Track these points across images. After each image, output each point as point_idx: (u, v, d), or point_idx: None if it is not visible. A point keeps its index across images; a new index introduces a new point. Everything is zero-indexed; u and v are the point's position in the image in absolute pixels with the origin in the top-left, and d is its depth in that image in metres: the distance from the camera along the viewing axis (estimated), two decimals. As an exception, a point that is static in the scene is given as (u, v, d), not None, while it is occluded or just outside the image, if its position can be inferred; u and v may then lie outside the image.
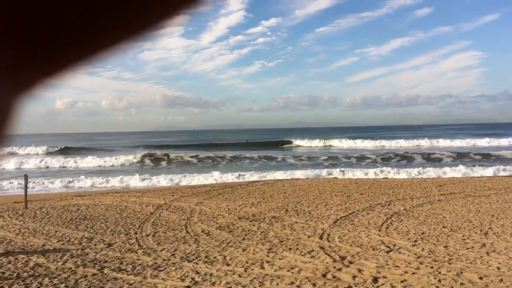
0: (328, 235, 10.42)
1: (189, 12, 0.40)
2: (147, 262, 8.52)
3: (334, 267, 7.90)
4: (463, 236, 10.12)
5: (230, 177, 26.56)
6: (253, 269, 7.92)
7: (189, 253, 9.08)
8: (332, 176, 26.27)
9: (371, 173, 27.63)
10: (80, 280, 7.59)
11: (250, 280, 7.34)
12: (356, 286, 7.01)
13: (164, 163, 40.11)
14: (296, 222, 11.94)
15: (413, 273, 7.48)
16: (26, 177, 16.10)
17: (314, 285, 7.04)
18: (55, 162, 39.09)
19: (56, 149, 60.24)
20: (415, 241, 9.70)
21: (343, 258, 8.47)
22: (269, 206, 14.64)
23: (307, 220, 12.17)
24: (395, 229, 10.88)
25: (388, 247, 9.21)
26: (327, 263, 8.18)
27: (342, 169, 30.43)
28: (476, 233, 10.40)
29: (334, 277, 7.42)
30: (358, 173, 27.68)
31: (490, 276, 7.30)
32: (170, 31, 0.41)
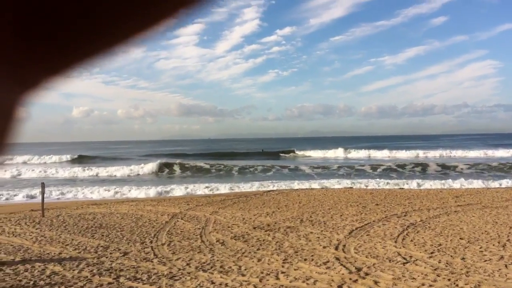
0: (344, 246, 10.36)
1: (188, 12, 0.40)
2: (162, 272, 8.54)
3: (350, 279, 7.84)
4: (480, 248, 9.99)
5: (244, 186, 26.55)
6: (268, 280, 7.90)
7: (204, 263, 9.08)
8: (347, 186, 26.12)
9: (386, 183, 27.43)
10: (96, 288, 7.63)
11: (265, 291, 7.31)
12: (372, 298, 6.95)
13: (179, 172, 40.24)
14: (311, 233, 11.89)
15: (430, 286, 7.40)
16: (43, 185, 16.26)
17: (329, 296, 7.00)
18: (71, 170, 39.40)
19: (73, 157, 60.74)
20: (432, 252, 9.60)
21: (359, 269, 8.41)
22: (284, 216, 14.60)
23: (322, 231, 12.11)
24: (411, 241, 10.78)
25: (404, 258, 9.12)
26: (342, 274, 8.12)
27: (357, 179, 30.30)
28: (494, 245, 10.27)
29: (350, 288, 7.37)
30: (373, 183, 27.50)
31: (508, 289, 7.20)
32: (171, 32, 0.42)
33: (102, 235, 12.04)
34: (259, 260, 9.23)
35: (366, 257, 9.31)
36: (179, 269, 8.66)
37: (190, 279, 8.05)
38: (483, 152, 57.42)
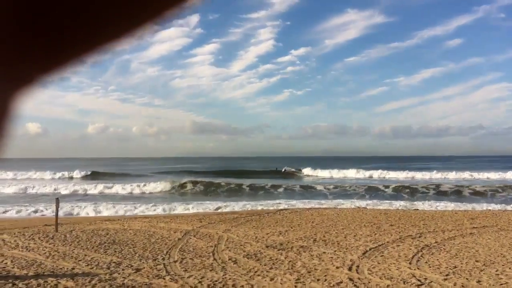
0: (358, 266, 10.25)
1: (182, 9, 0.41)
2: (174, 289, 8.50)
3: (364, 300, 7.75)
4: (496, 271, 9.83)
5: (257, 204, 26.48)
6: (280, 299, 7.83)
7: (216, 281, 9.03)
8: (361, 206, 25.93)
9: (401, 204, 27.21)
10: (108, 305, 7.61)
11: (278, 311, 7.25)
12: (386, 320, 6.86)
13: (191, 189, 40.26)
14: (325, 253, 11.79)
15: (446, 309, 7.28)
16: (57, 201, 16.36)
17: (343, 317, 6.91)
18: (84, 186, 39.63)
19: (87, 173, 61.11)
20: (447, 275, 9.47)
21: (372, 290, 8.30)
22: (297, 235, 14.51)
23: (335, 251, 12.01)
24: (426, 262, 10.64)
25: (419, 280, 9.00)
26: (356, 295, 8.03)
27: (371, 199, 30.11)
28: (510, 268, 10.10)
29: (363, 310, 7.28)
30: (387, 204, 27.28)
31: (526, 314, 7.06)
32: (165, 28, 0.42)
33: (115, 251, 12.05)
34: (271, 279, 9.16)
35: (380, 278, 9.20)
36: (191, 287, 8.62)
37: (202, 297, 8.01)
38: (499, 174, 56.72)
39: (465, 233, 14.83)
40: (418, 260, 10.86)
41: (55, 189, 37.64)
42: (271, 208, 24.65)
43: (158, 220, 18.11)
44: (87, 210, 24.05)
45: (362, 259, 11.02)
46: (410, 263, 10.52)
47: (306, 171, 68.89)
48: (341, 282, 8.87)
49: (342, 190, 38.77)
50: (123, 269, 10.06)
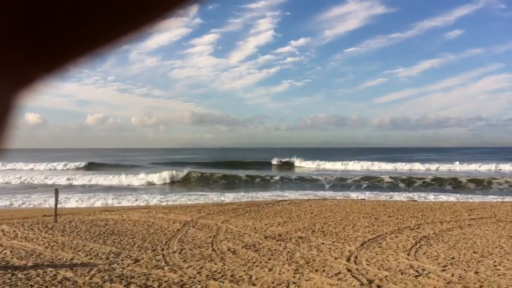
0: (356, 257, 10.28)
1: (184, 10, 0.40)
2: (173, 279, 8.53)
3: (362, 290, 7.77)
4: (494, 262, 9.87)
5: (256, 196, 26.54)
6: (279, 290, 7.85)
7: (215, 272, 9.06)
8: (359, 197, 25.98)
9: (399, 195, 27.27)
10: (107, 295, 7.64)
11: (276, 301, 7.27)
12: (384, 310, 6.88)
13: (190, 180, 40.27)
14: (323, 243, 11.82)
15: (443, 299, 7.31)
16: (56, 191, 16.36)
17: (341, 308, 6.94)
18: (82, 177, 39.65)
19: (82, 164, 61.09)
20: (444, 266, 9.50)
21: (370, 281, 8.34)
22: (295, 226, 14.54)
23: (334, 242, 12.04)
24: (424, 253, 10.67)
25: (417, 271, 9.03)
26: (354, 286, 8.06)
27: (370, 191, 30.18)
28: (508, 259, 10.14)
29: (361, 300, 7.31)
30: (386, 196, 27.35)
31: (523, 305, 7.09)
32: (166, 29, 0.42)
33: (114, 242, 12.07)
34: (270, 269, 9.19)
35: (378, 269, 9.23)
36: (190, 277, 8.65)
37: (201, 287, 8.03)
38: (497, 165, 56.74)
39: (463, 224, 14.87)
40: (416, 251, 10.89)
41: (52, 180, 37.63)
42: (270, 199, 24.69)
43: (157, 211, 18.14)
44: (84, 201, 24.07)
45: (360, 250, 11.06)
46: (408, 254, 10.55)
47: (303, 163, 68.71)
48: (339, 273, 8.90)
49: (339, 181, 38.79)
50: (122, 260, 10.09)
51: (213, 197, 26.28)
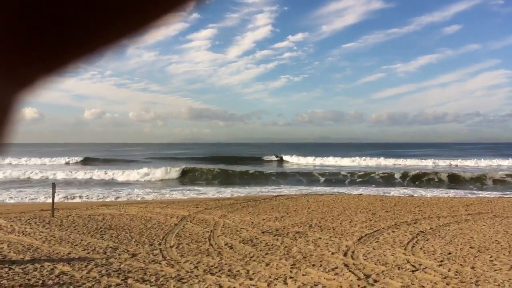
0: (353, 252, 10.31)
1: (185, 10, 0.40)
2: (170, 274, 8.54)
3: (359, 286, 7.80)
4: (490, 257, 9.90)
5: (253, 191, 26.58)
6: (276, 285, 7.87)
7: (212, 266, 9.07)
8: (357, 193, 26.04)
9: (396, 191, 27.34)
10: (104, 289, 7.64)
11: (273, 295, 7.29)
12: (380, 305, 6.91)
13: (187, 175, 40.24)
14: (320, 238, 11.84)
15: (440, 294, 7.33)
16: (54, 186, 16.34)
17: (338, 302, 6.96)
18: (78, 172, 39.61)
19: (79, 159, 61.02)
20: (441, 261, 9.53)
21: (367, 276, 8.36)
22: (292, 221, 14.56)
23: (331, 236, 12.06)
24: (421, 248, 10.70)
25: (413, 266, 9.06)
26: (351, 281, 8.08)
27: (366, 186, 30.24)
28: (504, 254, 10.17)
29: (358, 295, 7.33)
30: (383, 190, 27.41)
31: (519, 299, 7.12)
32: (167, 29, 0.42)
33: (111, 236, 12.08)
34: (267, 264, 9.21)
35: (375, 264, 9.26)
36: (187, 272, 8.66)
37: (198, 282, 8.05)
38: (495, 161, 56.86)
39: (460, 220, 14.91)
40: (413, 246, 10.92)
41: (48, 175, 37.55)
42: (267, 194, 24.72)
43: (154, 206, 18.15)
44: (81, 196, 24.07)
45: (357, 245, 11.08)
46: (405, 249, 10.58)
47: (300, 158, 68.66)
48: (337, 268, 8.92)
49: (336, 176, 38.85)
50: (119, 254, 10.09)
51: (211, 192, 26.30)
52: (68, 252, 10.23)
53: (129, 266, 9.06)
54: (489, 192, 27.01)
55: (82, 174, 38.28)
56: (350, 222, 14.37)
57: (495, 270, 8.83)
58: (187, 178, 38.67)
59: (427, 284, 7.88)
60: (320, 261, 9.45)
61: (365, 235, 12.22)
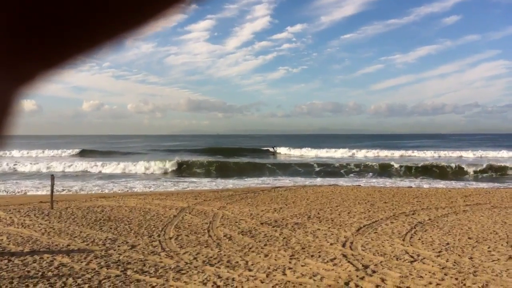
0: (351, 243, 10.34)
1: (185, 6, 0.40)
2: (169, 265, 8.57)
3: (357, 276, 7.83)
4: (489, 247, 9.94)
5: (252, 182, 26.61)
6: (275, 275, 7.90)
7: (211, 257, 9.10)
8: (355, 184, 26.08)
9: (395, 182, 27.38)
10: (104, 281, 7.67)
11: (272, 286, 7.32)
12: (379, 295, 6.94)
13: (186, 167, 40.25)
14: (319, 229, 11.88)
15: (438, 284, 7.37)
16: (52, 178, 16.35)
17: (336, 293, 6.99)
18: (77, 164, 39.57)
19: (77, 151, 60.92)
20: (439, 251, 9.57)
21: (366, 266, 8.39)
22: (291, 212, 14.60)
23: (329, 228, 12.09)
24: (419, 239, 10.74)
25: (412, 257, 9.09)
26: (349, 271, 8.11)
27: (365, 178, 30.29)
28: (502, 245, 10.21)
29: (356, 285, 7.36)
30: (381, 182, 27.45)
31: (517, 289, 7.16)
32: (167, 24, 0.42)
33: (110, 228, 12.10)
34: (266, 255, 9.24)
35: (374, 254, 9.29)
36: (186, 263, 8.69)
37: (197, 273, 8.07)
38: (495, 152, 56.89)
39: (458, 211, 14.95)
40: (411, 237, 10.96)
41: (47, 167, 37.50)
42: (266, 185, 24.76)
43: (153, 197, 18.17)
44: (80, 187, 24.08)
45: (356, 235, 11.12)
46: (403, 240, 10.62)
47: (299, 150, 68.58)
48: (335, 258, 8.96)
49: (335, 168, 38.86)
50: (118, 246, 10.11)
51: (209, 183, 26.33)
52: (67, 244, 10.26)
53: (128, 258, 9.09)
54: (487, 183, 27.05)
55: (80, 165, 38.22)
56: (348, 213, 14.41)
57: (493, 261, 8.86)
58: (185, 170, 38.65)
59: (425, 274, 7.91)
60: (319, 252, 9.48)
61: (364, 226, 12.26)
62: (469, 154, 56.20)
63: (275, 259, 8.93)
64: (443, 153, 57.07)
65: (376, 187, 23.30)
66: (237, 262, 8.75)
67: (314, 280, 7.65)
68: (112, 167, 37.67)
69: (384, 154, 59.01)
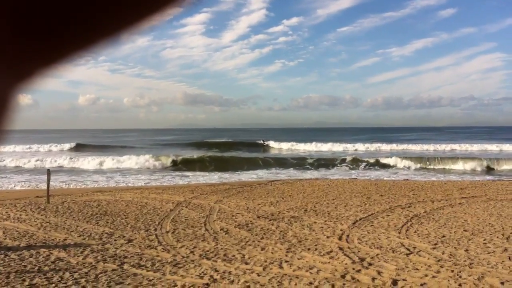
0: (347, 236, 10.37)
1: (184, 3, 0.40)
2: (166, 259, 8.57)
3: (353, 269, 7.85)
4: (484, 240, 9.98)
5: (247, 176, 26.64)
6: (271, 269, 7.92)
7: (208, 251, 9.11)
8: (352, 177, 26.13)
9: (390, 175, 27.45)
10: (100, 275, 7.67)
11: (269, 280, 7.34)
12: (375, 288, 6.96)
13: (183, 161, 40.21)
14: (315, 222, 11.90)
15: (433, 277, 7.40)
16: (48, 172, 16.32)
17: (332, 286, 7.01)
18: (73, 158, 39.45)
19: (73, 145, 60.72)
20: (435, 244, 9.60)
21: (362, 259, 8.42)
22: (288, 205, 14.62)
23: (326, 221, 12.12)
24: (415, 232, 10.78)
25: (408, 249, 9.13)
26: (346, 264, 8.13)
27: (361, 171, 30.34)
28: (497, 237, 10.26)
29: (353, 278, 7.38)
30: (377, 175, 27.52)
31: (512, 281, 7.19)
32: (164, 22, 0.41)
33: (107, 222, 12.10)
34: (262, 249, 9.26)
35: (370, 247, 9.32)
36: (183, 257, 8.70)
37: (194, 266, 8.08)
38: (490, 145, 57.04)
39: (454, 203, 15.01)
40: (407, 230, 11.00)
41: (42, 162, 37.35)
42: (263, 179, 24.78)
43: (150, 191, 18.16)
44: (76, 182, 24.05)
45: (352, 228, 11.14)
46: (399, 233, 10.65)
47: (295, 144, 68.50)
48: (331, 251, 8.98)
49: (331, 162, 38.88)
50: (115, 240, 10.12)
51: (206, 177, 26.33)
52: (63, 238, 10.25)
53: (125, 252, 9.09)
54: (483, 176, 27.15)
55: (75, 160, 38.10)
56: (345, 206, 14.44)
57: (489, 253, 8.91)
58: (181, 164, 38.59)
59: (421, 267, 7.94)
60: (315, 245, 9.50)
61: (360, 219, 12.29)
62: (465, 147, 56.31)
63: (272, 253, 8.95)
64: (439, 146, 57.16)
65: (372, 180, 23.36)
66: (233, 255, 8.77)
67: (310, 273, 7.67)
68: (109, 161, 37.58)
69: (380, 147, 59.08)
